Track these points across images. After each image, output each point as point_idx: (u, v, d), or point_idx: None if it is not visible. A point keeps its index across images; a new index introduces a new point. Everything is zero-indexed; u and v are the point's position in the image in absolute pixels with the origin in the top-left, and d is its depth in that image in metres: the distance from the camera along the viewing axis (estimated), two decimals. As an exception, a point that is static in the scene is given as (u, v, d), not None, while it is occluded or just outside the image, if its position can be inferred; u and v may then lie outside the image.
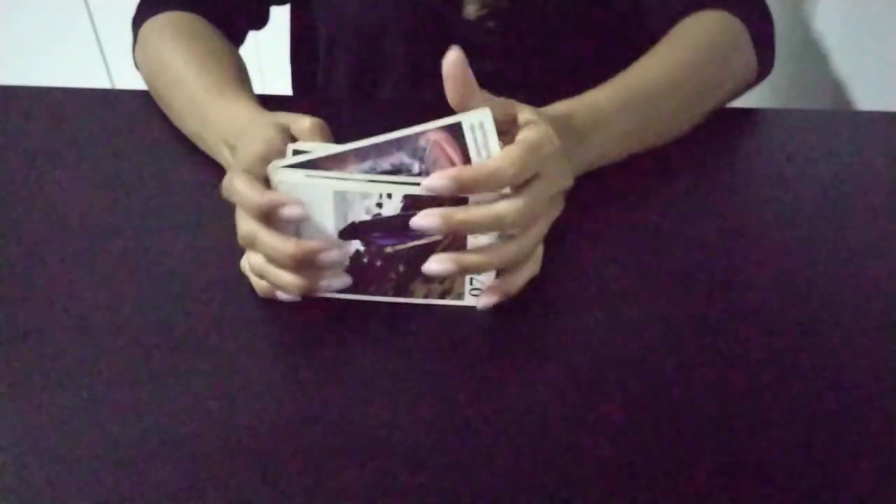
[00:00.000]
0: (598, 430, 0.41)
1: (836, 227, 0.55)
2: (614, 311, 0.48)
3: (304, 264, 0.43)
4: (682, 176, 0.61)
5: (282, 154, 0.46)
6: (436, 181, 0.41)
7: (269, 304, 0.48)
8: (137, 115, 0.69)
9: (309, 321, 0.48)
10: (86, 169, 0.62)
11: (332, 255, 0.44)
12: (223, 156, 0.56)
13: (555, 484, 0.38)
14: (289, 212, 0.43)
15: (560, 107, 0.55)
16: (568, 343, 0.46)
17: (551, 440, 0.40)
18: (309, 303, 0.48)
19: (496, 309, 0.47)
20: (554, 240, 0.48)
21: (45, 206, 0.57)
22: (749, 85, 0.69)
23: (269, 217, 0.44)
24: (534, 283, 0.48)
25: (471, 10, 0.71)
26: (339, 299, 0.48)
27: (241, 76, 0.63)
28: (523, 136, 0.44)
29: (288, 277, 0.44)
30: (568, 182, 0.47)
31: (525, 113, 0.46)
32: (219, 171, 0.56)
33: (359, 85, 0.80)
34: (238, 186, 0.43)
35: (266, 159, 0.45)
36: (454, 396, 0.43)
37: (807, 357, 0.45)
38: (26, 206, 0.58)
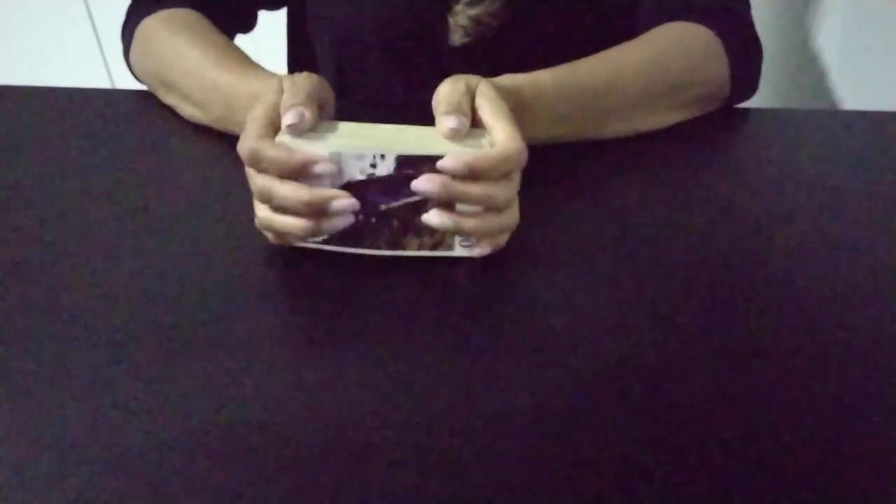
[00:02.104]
0: (594, 429, 0.41)
1: (836, 226, 0.56)
2: (612, 309, 0.48)
3: (317, 210, 0.47)
4: (681, 174, 0.61)
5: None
6: (450, 163, 0.46)
7: (269, 303, 0.49)
8: (137, 115, 0.69)
9: (309, 320, 0.48)
10: (86, 168, 0.62)
11: (343, 203, 0.47)
12: None
13: (550, 484, 0.38)
14: (320, 168, 0.46)
15: (507, 80, 0.57)
16: (565, 341, 0.46)
17: (547, 439, 0.40)
18: (309, 299, 0.48)
19: (496, 311, 0.48)
20: (550, 238, 0.48)
21: (44, 206, 0.57)
22: (728, 101, 0.69)
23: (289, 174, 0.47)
24: (533, 283, 0.49)
25: (456, 38, 0.72)
26: (342, 259, 0.51)
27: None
28: (507, 133, 0.48)
29: (296, 222, 0.48)
30: (525, 155, 0.50)
31: (482, 86, 0.51)
32: (217, 170, 0.56)
33: (345, 96, 0.80)
34: (270, 153, 0.46)
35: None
36: (454, 397, 0.43)
37: (805, 356, 0.45)
38: (26, 205, 0.58)
